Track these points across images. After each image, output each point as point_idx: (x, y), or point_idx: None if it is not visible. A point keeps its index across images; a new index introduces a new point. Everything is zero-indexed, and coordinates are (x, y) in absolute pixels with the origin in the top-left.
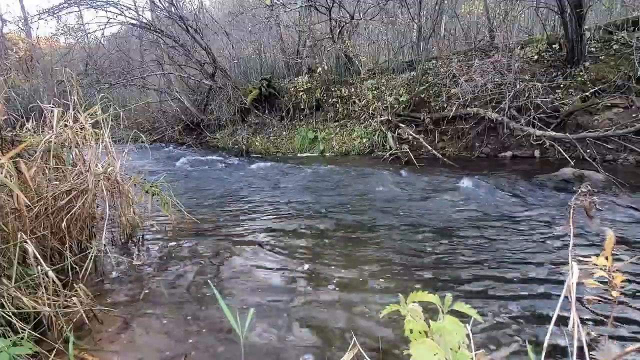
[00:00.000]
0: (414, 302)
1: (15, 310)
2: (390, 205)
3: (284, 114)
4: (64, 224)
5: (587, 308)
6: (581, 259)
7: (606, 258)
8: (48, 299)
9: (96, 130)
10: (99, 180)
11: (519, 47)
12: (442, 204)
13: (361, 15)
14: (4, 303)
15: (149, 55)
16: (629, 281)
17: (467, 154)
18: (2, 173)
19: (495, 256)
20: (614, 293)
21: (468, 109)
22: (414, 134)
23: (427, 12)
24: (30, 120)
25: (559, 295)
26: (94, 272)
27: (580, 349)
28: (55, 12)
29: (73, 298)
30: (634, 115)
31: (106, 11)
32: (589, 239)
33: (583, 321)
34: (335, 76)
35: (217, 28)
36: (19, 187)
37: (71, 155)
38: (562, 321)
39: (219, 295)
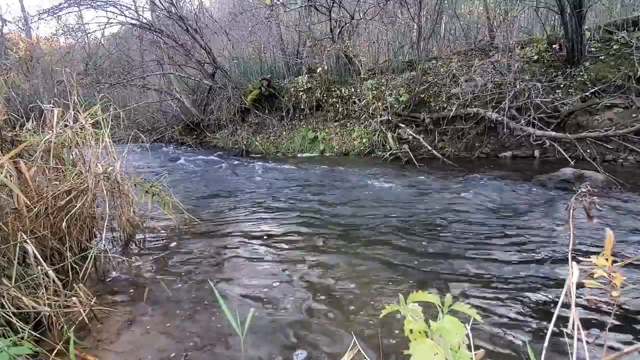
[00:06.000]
0: (414, 302)
1: (15, 310)
2: (390, 205)
3: (284, 114)
4: (64, 224)
5: (587, 308)
6: (581, 259)
7: (606, 258)
8: (48, 299)
9: (96, 130)
10: (99, 180)
11: (519, 47)
12: (442, 204)
13: (361, 15)
14: (4, 303)
15: (149, 55)
16: (629, 281)
17: (467, 154)
18: (2, 173)
19: (495, 256)
20: (614, 293)
21: (468, 109)
22: (414, 134)
23: (427, 12)
24: (30, 120)
25: (559, 296)
26: (94, 272)
27: (580, 348)
28: (55, 12)
29: (73, 298)
30: (634, 115)
31: (106, 11)
32: (589, 239)
33: (583, 321)
34: (335, 76)
35: (217, 28)
36: (19, 187)
37: (71, 155)
38: (562, 321)
39: (219, 295)
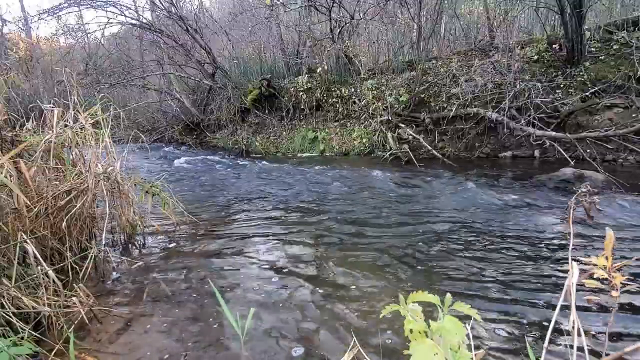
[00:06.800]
0: (414, 302)
1: (15, 310)
2: (390, 206)
3: (284, 114)
4: (64, 224)
5: (587, 308)
6: (581, 259)
7: (606, 258)
8: (48, 299)
9: (96, 130)
10: (99, 180)
11: (519, 47)
12: (442, 204)
13: (361, 15)
14: (4, 303)
15: (149, 55)
16: (629, 281)
17: (467, 154)
18: (2, 173)
19: (495, 256)
20: (614, 293)
21: (468, 109)
22: (414, 134)
23: (427, 12)
24: (30, 120)
25: (559, 295)
26: (94, 272)
27: (580, 349)
28: (55, 12)
29: (73, 298)
30: (634, 115)
31: (106, 11)
32: (589, 238)
33: (583, 321)
34: (335, 76)
35: (217, 28)
36: (19, 187)
37: (71, 155)
38: (562, 321)
39: (219, 295)
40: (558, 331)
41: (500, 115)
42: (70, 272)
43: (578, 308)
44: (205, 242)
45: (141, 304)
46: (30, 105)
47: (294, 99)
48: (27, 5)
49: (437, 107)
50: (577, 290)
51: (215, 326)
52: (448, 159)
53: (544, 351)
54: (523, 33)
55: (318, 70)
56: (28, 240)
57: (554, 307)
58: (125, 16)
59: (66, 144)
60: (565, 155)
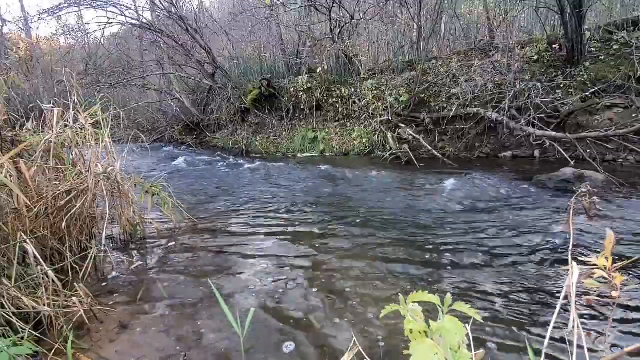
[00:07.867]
0: (414, 302)
1: (15, 310)
2: (390, 206)
3: (284, 114)
4: (64, 224)
5: (587, 308)
6: (581, 259)
7: (606, 258)
8: (48, 299)
9: (96, 130)
10: (99, 180)
11: (519, 47)
12: (441, 204)
13: (361, 15)
14: (4, 303)
15: (149, 55)
16: (629, 281)
17: (467, 154)
18: (2, 173)
19: (495, 256)
20: (614, 293)
21: (468, 109)
22: (414, 134)
23: (427, 12)
24: (30, 120)
25: (559, 295)
26: (94, 272)
27: (580, 348)
28: (55, 12)
29: (73, 298)
30: (634, 115)
31: (106, 11)
32: (589, 239)
33: (583, 321)
34: (335, 76)
35: (217, 28)
36: (19, 187)
37: (71, 155)
38: (562, 321)
39: (218, 295)
40: (558, 331)
41: (500, 115)
42: (70, 272)
43: (578, 308)
44: (204, 242)
45: (141, 304)
46: (30, 105)
47: (294, 99)
48: (27, 5)
49: (437, 107)
50: (577, 290)
51: (214, 326)
52: (448, 159)
53: (544, 351)
54: (523, 33)
55: (318, 70)
56: (28, 240)
57: (553, 307)
58: (125, 16)
59: (66, 144)
60: (565, 155)
